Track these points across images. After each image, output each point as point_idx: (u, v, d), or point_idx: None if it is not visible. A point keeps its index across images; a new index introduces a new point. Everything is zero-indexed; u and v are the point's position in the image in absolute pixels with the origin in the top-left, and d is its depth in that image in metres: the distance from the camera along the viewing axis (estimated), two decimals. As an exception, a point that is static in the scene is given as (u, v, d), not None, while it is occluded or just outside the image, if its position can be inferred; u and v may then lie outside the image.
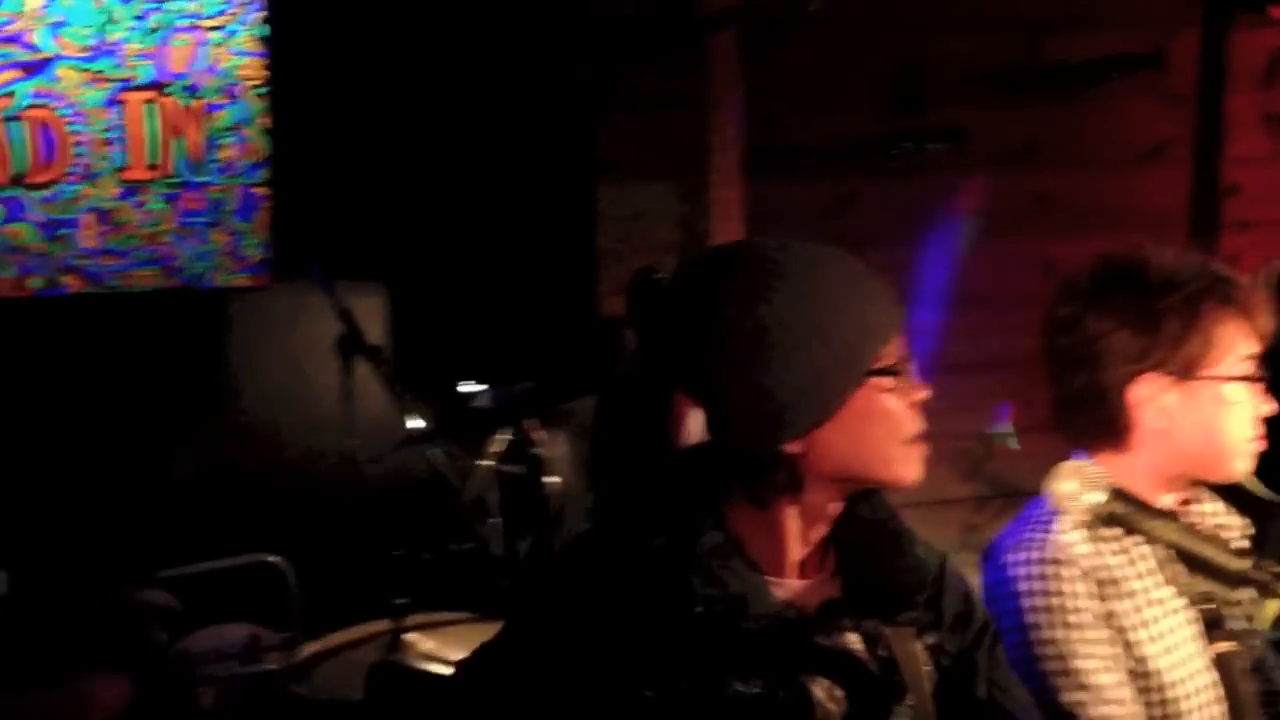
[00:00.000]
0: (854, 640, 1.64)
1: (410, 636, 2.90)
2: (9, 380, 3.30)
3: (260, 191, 3.61)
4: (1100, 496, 1.58)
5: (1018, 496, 2.09)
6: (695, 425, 3.45)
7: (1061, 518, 1.96)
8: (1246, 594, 1.89)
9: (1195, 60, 3.97)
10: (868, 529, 1.67)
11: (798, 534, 1.65)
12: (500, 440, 3.07)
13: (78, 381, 3.44)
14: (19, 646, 2.58)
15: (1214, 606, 1.56)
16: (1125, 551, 1.98)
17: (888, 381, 1.59)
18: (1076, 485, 1.59)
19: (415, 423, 2.86)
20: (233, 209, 3.60)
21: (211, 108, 3.52)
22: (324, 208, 3.60)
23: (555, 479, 2.90)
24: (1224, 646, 1.56)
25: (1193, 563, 1.56)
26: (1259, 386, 2.00)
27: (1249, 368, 1.99)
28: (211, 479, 3.60)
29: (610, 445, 3.25)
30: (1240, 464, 2.02)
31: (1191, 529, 1.58)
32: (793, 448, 1.60)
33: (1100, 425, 2.00)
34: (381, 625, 2.93)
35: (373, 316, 3.59)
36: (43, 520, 2.88)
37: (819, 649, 1.61)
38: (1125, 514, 1.59)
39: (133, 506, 3.41)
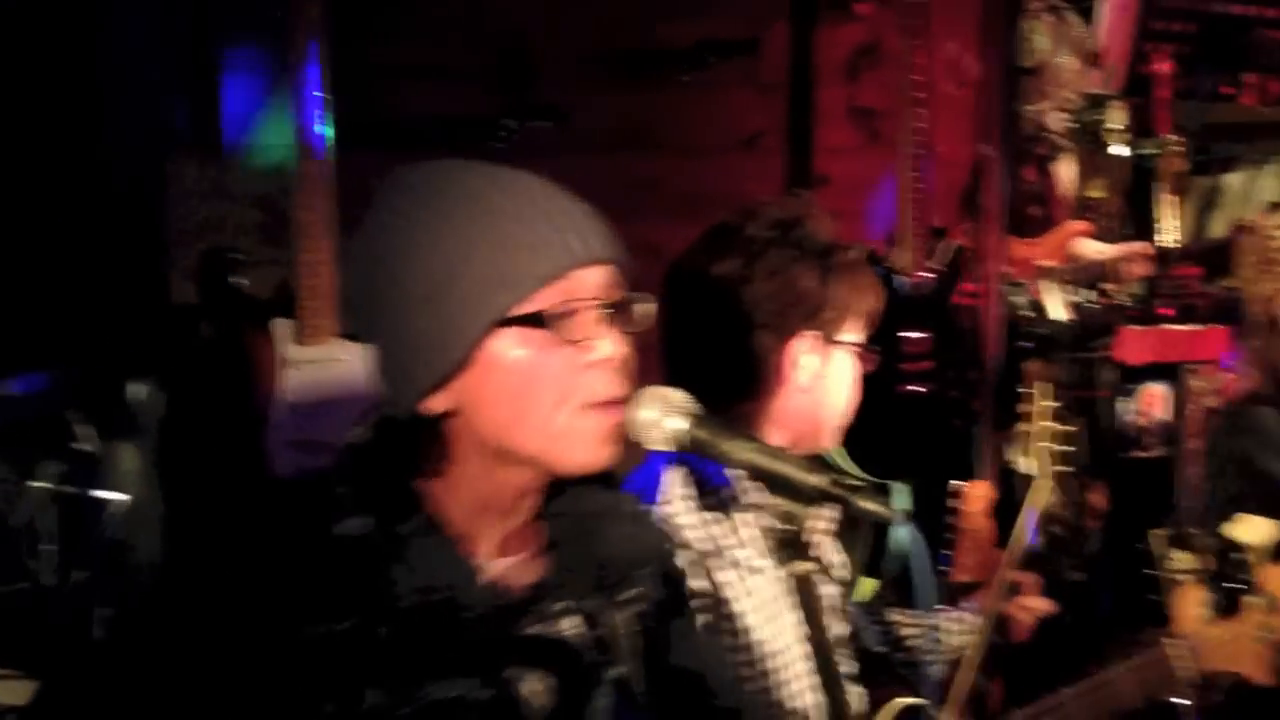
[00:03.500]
0: (568, 622, 1.49)
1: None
2: None
3: None
4: (682, 423, 1.48)
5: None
6: (279, 417, 3.17)
7: (664, 493, 1.92)
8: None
9: (786, 51, 4.10)
10: (577, 501, 1.53)
11: (489, 509, 1.46)
12: (57, 464, 2.78)
13: None
14: None
15: (794, 527, 1.49)
16: (726, 520, 1.96)
17: (537, 334, 1.39)
18: (657, 412, 1.49)
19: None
20: None
21: None
22: None
23: (121, 496, 2.64)
24: (804, 566, 1.47)
25: (772, 482, 1.49)
26: (867, 360, 2.07)
27: (861, 341, 2.07)
28: None
29: (182, 446, 2.97)
30: (833, 438, 2.10)
31: (768, 448, 1.51)
32: (437, 405, 1.41)
33: (745, 382, 1.99)
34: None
35: None
36: None
37: (529, 638, 1.45)
38: (705, 439, 1.49)
39: None
